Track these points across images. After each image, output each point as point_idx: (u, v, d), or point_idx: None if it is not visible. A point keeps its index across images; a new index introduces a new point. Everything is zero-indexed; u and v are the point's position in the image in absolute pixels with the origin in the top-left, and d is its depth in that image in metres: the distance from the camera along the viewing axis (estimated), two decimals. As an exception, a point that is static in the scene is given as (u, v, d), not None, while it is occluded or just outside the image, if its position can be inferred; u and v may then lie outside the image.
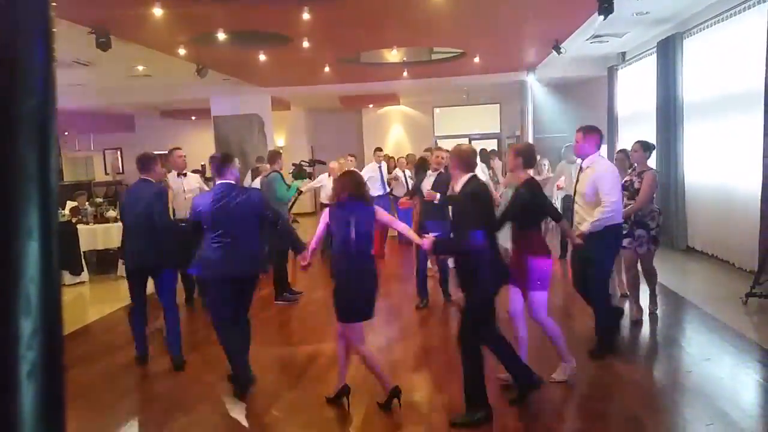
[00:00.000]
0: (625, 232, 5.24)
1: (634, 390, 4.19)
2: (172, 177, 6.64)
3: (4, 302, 0.58)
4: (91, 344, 5.73)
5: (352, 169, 6.50)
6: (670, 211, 9.00)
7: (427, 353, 5.04)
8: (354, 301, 3.81)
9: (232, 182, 4.30)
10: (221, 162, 4.33)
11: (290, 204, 7.79)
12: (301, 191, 7.94)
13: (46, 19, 0.62)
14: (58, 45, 0.65)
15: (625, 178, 5.60)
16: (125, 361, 5.16)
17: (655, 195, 5.58)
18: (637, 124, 10.97)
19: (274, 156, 7.48)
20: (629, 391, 4.18)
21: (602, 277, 4.77)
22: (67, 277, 8.15)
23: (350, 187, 3.88)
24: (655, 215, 5.46)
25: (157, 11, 6.56)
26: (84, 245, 8.70)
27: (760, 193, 6.43)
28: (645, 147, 5.57)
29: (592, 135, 4.65)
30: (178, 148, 6.91)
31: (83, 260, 8.58)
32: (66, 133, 16.30)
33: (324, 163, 8.99)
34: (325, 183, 8.85)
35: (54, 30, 0.64)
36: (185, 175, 6.81)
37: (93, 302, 7.87)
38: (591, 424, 3.71)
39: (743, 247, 7.11)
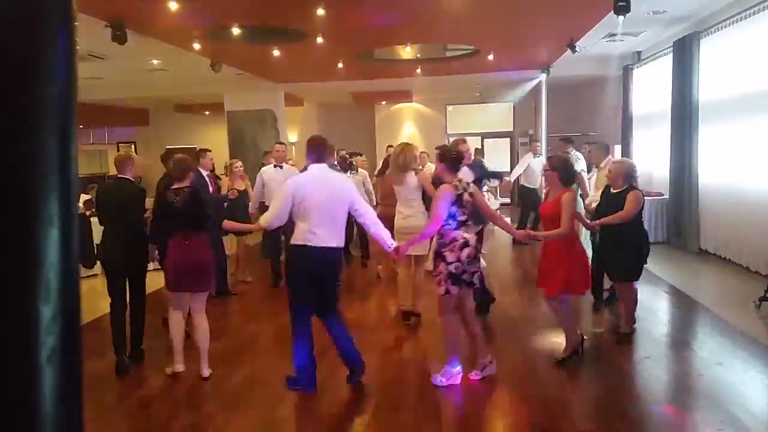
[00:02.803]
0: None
1: (644, 392, 4.17)
2: (268, 169, 7.30)
3: (24, 288, 0.59)
4: (103, 337, 5.76)
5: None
6: (683, 212, 8.93)
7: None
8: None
9: None
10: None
11: None
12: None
13: (69, 13, 0.64)
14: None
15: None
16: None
17: (455, 220, 4.11)
18: (651, 124, 10.88)
19: (331, 149, 7.41)
20: (639, 393, 4.15)
21: (292, 307, 4.14)
22: (80, 269, 8.23)
23: None
24: (456, 246, 4.08)
25: (173, 5, 6.60)
26: (97, 238, 8.76)
27: (775, 196, 6.36)
28: (442, 158, 4.31)
29: (308, 146, 4.20)
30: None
31: (96, 253, 8.64)
32: (81, 126, 16.43)
33: (361, 155, 8.91)
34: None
35: (77, 24, 0.65)
36: (281, 167, 7.25)
37: (105, 295, 7.89)
38: (600, 426, 3.69)
39: (757, 250, 7.03)
